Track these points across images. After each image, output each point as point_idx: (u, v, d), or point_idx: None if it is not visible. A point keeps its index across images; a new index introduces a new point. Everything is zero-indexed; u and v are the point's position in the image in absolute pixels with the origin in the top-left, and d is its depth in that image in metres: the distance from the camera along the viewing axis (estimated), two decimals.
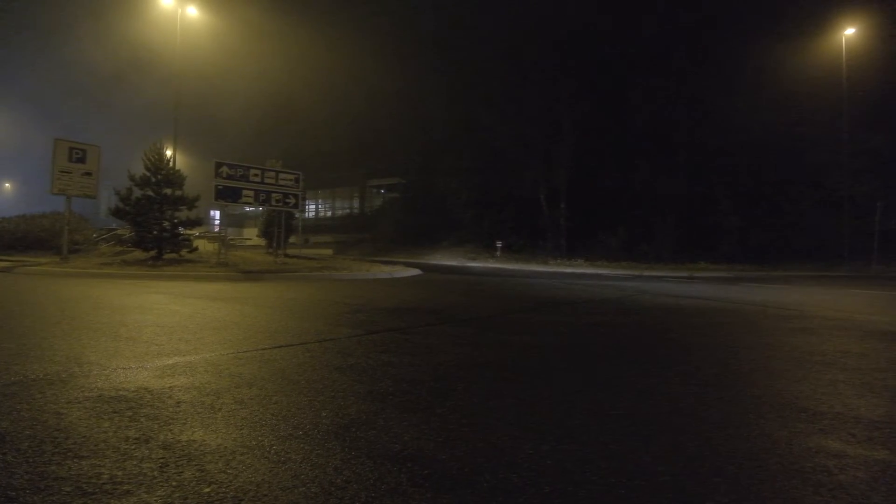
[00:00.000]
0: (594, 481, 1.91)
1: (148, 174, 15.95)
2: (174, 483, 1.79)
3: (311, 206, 58.07)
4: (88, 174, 15.39)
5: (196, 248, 17.56)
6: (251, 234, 38.44)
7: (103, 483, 1.77)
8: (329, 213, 58.75)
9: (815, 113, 28.71)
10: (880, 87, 27.29)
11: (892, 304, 9.41)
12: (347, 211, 57.11)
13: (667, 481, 1.92)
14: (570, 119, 33.26)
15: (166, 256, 15.71)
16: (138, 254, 15.86)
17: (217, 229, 36.56)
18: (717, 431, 2.50)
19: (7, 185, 68.06)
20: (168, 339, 4.48)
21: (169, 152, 17.75)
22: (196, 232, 21.59)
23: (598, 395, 3.14)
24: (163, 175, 16.06)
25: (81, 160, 15.17)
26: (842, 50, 27.25)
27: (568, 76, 33.25)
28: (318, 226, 54.65)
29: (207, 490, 1.74)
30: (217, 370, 3.43)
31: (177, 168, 17.04)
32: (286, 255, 19.32)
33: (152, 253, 15.60)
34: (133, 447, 2.10)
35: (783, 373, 3.83)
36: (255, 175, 16.31)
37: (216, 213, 49.40)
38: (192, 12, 21.46)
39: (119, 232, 22.26)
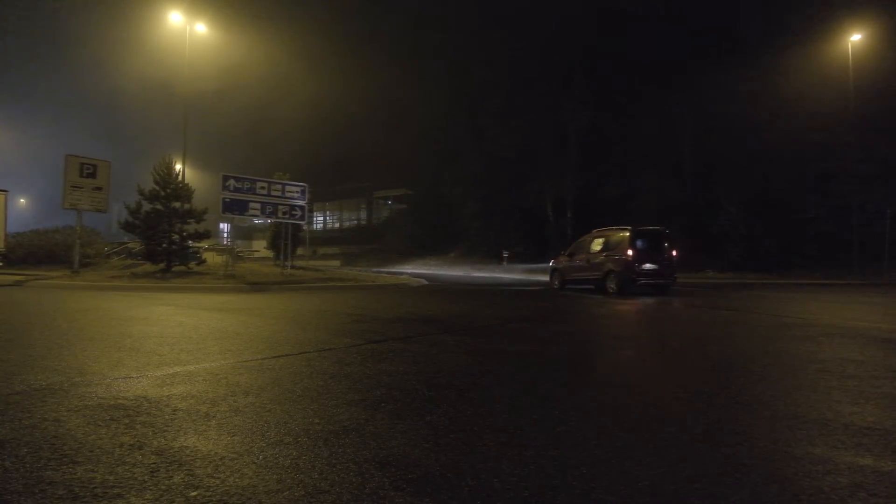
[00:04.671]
0: (574, 486, 1.94)
1: (157, 188, 16.20)
2: (163, 487, 1.85)
3: (318, 218, 58.47)
4: (99, 189, 15.66)
5: (204, 261, 17.76)
6: (260, 247, 38.75)
7: (95, 487, 1.83)
8: (337, 225, 59.10)
9: (823, 119, 28.54)
10: (888, 93, 27.11)
11: None
12: (355, 222, 57.42)
13: (645, 486, 1.95)
14: (575, 129, 33.39)
15: (175, 269, 15.90)
16: (148, 266, 16.07)
17: (227, 242, 36.89)
18: (703, 438, 2.52)
19: (22, 200, 69.12)
20: (170, 349, 4.56)
21: (178, 166, 17.99)
22: (205, 244, 21.79)
23: (589, 403, 3.17)
24: (171, 189, 16.30)
25: (92, 175, 15.45)
26: (848, 56, 27.16)
27: (573, 86, 33.43)
28: (325, 237, 54.99)
29: (194, 494, 1.80)
30: (216, 379, 3.50)
31: (185, 182, 17.28)
32: (293, 267, 19.47)
33: (161, 265, 15.80)
34: (126, 453, 2.16)
35: (779, 380, 3.83)
36: (262, 188, 16.51)
37: (226, 226, 49.88)
38: (201, 29, 21.86)
39: (130, 245, 22.54)
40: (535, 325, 7.11)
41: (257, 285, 13.67)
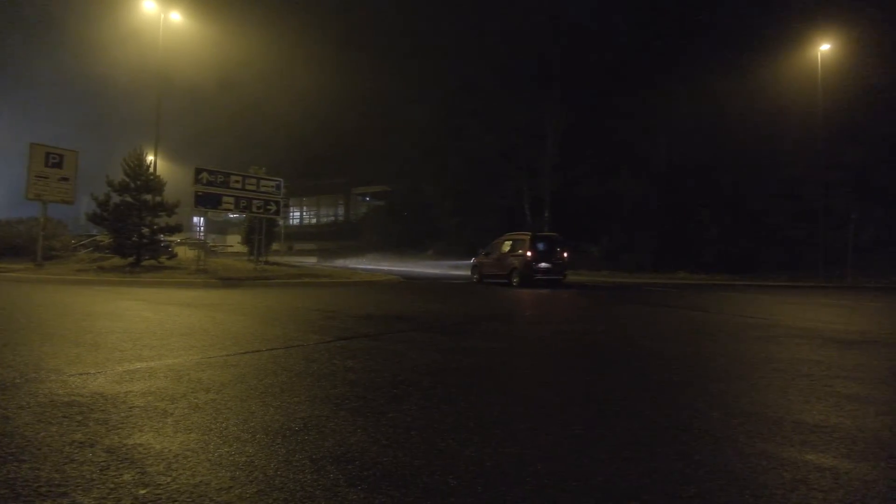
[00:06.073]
0: (528, 482, 1.97)
1: (127, 180, 15.84)
2: (111, 485, 1.81)
3: (295, 214, 57.87)
4: (65, 179, 15.22)
5: (175, 255, 17.44)
6: (234, 241, 38.19)
7: (39, 486, 1.79)
8: (314, 221, 58.57)
9: (792, 126, 29.32)
10: (855, 102, 27.91)
11: (858, 314, 9.63)
12: (332, 218, 56.99)
13: (598, 482, 1.98)
14: (553, 129, 33.65)
15: (145, 263, 15.57)
16: (116, 260, 15.69)
17: (200, 236, 36.28)
18: (658, 435, 2.58)
19: None
20: (133, 345, 4.47)
21: (150, 158, 17.60)
22: (177, 238, 21.38)
23: (551, 400, 3.21)
24: (142, 181, 15.96)
25: (58, 165, 15.01)
26: (817, 65, 27.91)
27: (552, 87, 33.69)
28: (302, 233, 54.45)
29: (143, 492, 1.77)
30: (177, 376, 3.44)
31: (157, 174, 16.93)
32: (267, 263, 19.23)
33: (130, 259, 15.46)
34: (76, 451, 2.11)
35: (737, 379, 3.93)
36: (236, 182, 16.25)
37: (199, 220, 48.95)
38: (176, 18, 21.37)
39: (98, 238, 22.00)
40: (505, 324, 7.17)
41: (229, 281, 13.47)
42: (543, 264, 16.10)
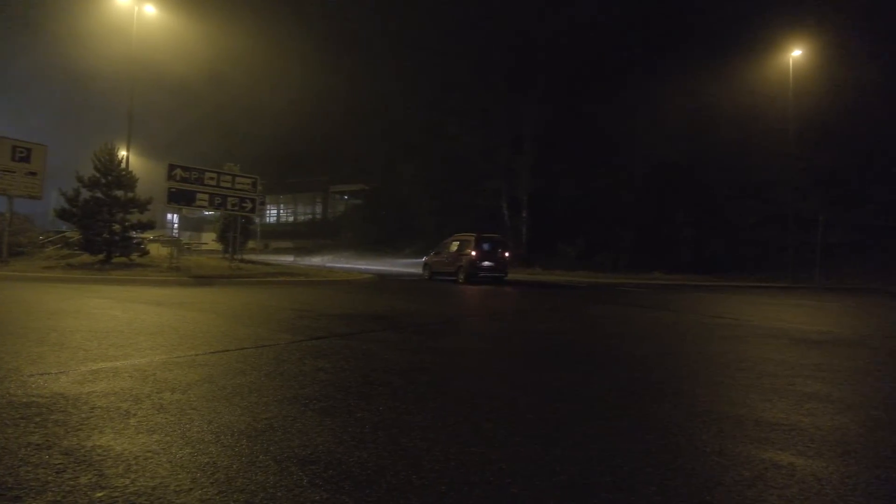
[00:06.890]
0: (491, 482, 1.98)
1: (98, 175, 15.44)
2: (67, 488, 1.77)
3: (272, 212, 57.19)
4: (33, 174, 14.76)
5: (148, 252, 17.06)
6: (209, 239, 37.58)
7: None
8: (291, 219, 57.92)
9: (765, 130, 30.01)
10: (825, 107, 28.67)
11: (823, 315, 9.91)
12: (310, 217, 56.41)
13: (562, 481, 2.01)
14: (532, 130, 33.84)
15: (115, 260, 15.19)
16: (86, 257, 15.28)
17: (174, 233, 35.58)
18: (622, 434, 2.62)
19: None
20: (98, 344, 4.37)
21: (122, 153, 17.21)
22: (150, 236, 20.93)
23: (519, 400, 3.23)
24: (113, 176, 15.57)
25: (26, 159, 14.55)
26: (789, 71, 28.61)
27: (530, 88, 33.87)
28: (279, 231, 53.85)
29: (100, 495, 1.74)
30: (143, 376, 3.38)
31: (129, 170, 16.55)
32: (242, 261, 18.97)
33: (100, 256, 15.07)
34: (33, 453, 2.06)
35: (703, 379, 4.01)
36: (211, 178, 15.97)
37: (174, 217, 48.03)
38: (150, 10, 20.98)
39: (67, 234, 21.42)
40: (476, 323, 7.21)
41: (203, 279, 13.25)
42: (487, 263, 17.37)
